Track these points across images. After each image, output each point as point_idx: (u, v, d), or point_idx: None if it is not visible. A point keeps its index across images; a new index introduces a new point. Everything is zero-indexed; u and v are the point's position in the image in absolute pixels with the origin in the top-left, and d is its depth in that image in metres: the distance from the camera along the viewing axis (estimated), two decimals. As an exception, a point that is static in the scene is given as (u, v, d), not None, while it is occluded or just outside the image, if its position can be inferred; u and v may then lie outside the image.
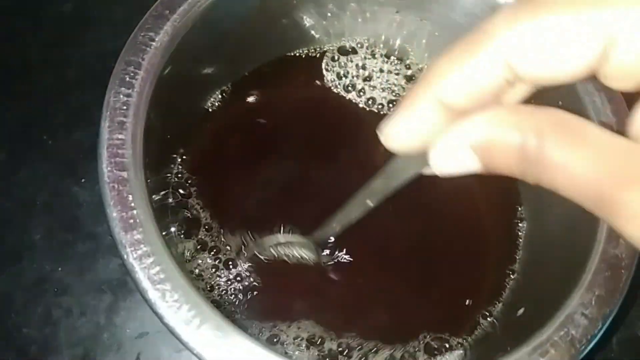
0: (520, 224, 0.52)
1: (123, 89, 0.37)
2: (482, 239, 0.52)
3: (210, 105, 0.53)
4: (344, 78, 0.55)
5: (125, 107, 0.36)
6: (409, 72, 0.57)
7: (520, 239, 0.52)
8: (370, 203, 0.36)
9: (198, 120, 0.52)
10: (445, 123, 0.23)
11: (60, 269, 0.51)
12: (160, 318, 0.33)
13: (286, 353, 0.46)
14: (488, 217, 0.53)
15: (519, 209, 0.53)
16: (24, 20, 0.61)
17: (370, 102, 0.55)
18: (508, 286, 0.50)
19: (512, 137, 0.21)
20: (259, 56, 0.54)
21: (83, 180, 0.54)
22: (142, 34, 0.39)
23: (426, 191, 0.51)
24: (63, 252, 0.52)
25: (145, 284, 0.33)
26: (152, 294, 0.33)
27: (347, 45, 0.56)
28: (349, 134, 0.53)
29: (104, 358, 0.49)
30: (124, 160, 0.35)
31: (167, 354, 0.49)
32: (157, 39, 0.39)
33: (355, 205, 0.38)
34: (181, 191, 0.50)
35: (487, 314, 0.49)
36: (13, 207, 0.53)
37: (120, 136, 0.35)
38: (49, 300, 0.50)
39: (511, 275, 0.50)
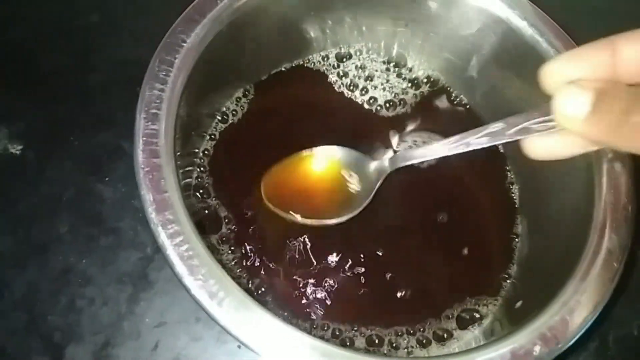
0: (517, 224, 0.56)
1: (157, 84, 0.40)
2: (483, 210, 0.57)
3: (231, 104, 0.56)
4: (344, 78, 0.59)
5: (158, 101, 0.40)
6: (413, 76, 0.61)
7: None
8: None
9: (221, 116, 0.55)
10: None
11: (84, 261, 0.53)
12: (187, 290, 0.35)
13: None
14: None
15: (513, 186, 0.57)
16: (55, 29, 0.64)
17: (371, 101, 0.59)
18: (516, 248, 0.54)
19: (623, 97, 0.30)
20: (274, 61, 0.58)
21: (107, 178, 0.57)
22: (174, 35, 0.43)
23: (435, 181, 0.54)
24: (87, 246, 0.54)
25: (175, 259, 0.35)
26: (181, 269, 0.35)
27: (348, 51, 0.60)
28: (352, 129, 0.57)
29: (124, 345, 0.51)
30: (157, 148, 0.38)
31: (184, 342, 0.51)
32: (188, 41, 0.43)
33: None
34: (202, 179, 0.53)
35: (507, 276, 0.53)
36: (40, 203, 0.56)
37: (154, 126, 0.38)
38: (73, 290, 0.52)
39: (516, 239, 0.54)
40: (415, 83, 0.60)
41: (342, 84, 0.59)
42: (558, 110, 0.32)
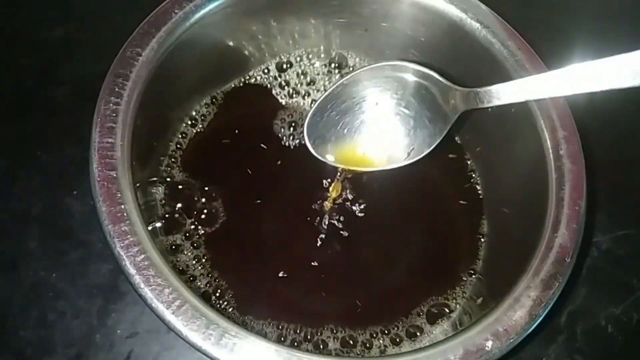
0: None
1: (112, 98, 0.41)
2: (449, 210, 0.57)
3: (188, 118, 0.57)
4: (286, 87, 0.60)
5: (114, 114, 0.40)
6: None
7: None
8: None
9: (180, 128, 0.56)
10: None
11: (54, 275, 0.53)
12: (144, 300, 0.35)
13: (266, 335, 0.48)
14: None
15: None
16: (20, 44, 0.65)
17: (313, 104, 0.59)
18: (482, 247, 0.55)
19: None
20: (227, 75, 0.59)
21: (75, 192, 0.57)
22: (130, 49, 0.43)
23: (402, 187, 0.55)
24: (57, 260, 0.54)
25: (131, 270, 0.36)
26: (137, 279, 0.36)
27: (287, 59, 0.61)
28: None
29: (97, 358, 0.51)
30: (113, 161, 0.39)
31: (156, 352, 0.51)
32: (143, 54, 0.43)
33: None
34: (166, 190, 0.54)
35: (472, 271, 0.54)
36: (10, 218, 0.56)
37: (109, 140, 0.39)
38: (44, 304, 0.52)
39: (482, 239, 0.55)
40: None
41: (285, 94, 0.60)
42: None
